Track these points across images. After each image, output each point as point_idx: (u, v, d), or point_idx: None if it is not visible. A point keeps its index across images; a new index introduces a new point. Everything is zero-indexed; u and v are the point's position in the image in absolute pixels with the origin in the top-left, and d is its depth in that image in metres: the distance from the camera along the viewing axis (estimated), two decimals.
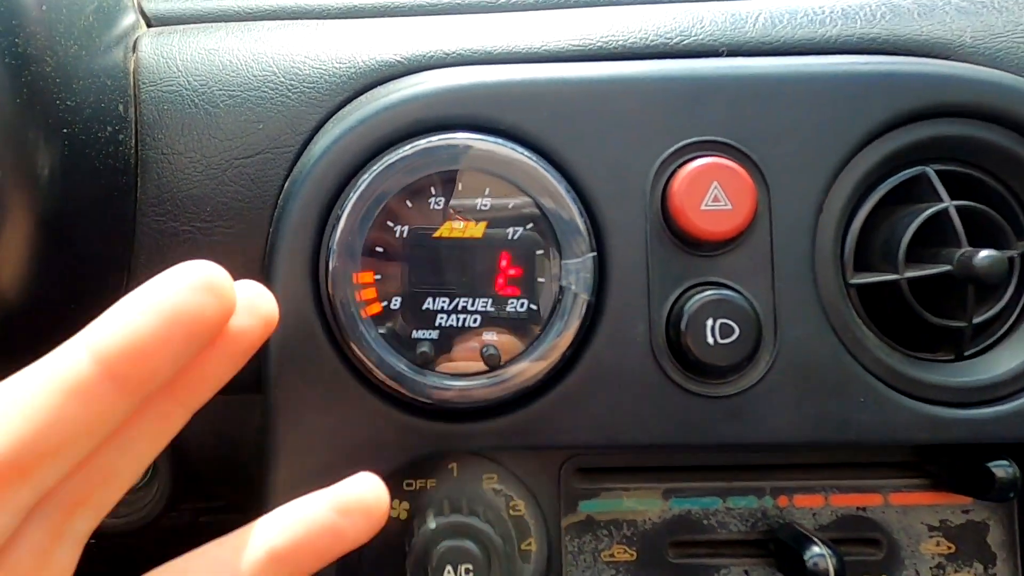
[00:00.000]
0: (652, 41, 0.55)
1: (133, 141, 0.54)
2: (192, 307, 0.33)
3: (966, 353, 0.50)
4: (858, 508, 0.52)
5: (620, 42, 0.55)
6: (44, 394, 0.32)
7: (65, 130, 0.48)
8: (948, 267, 0.48)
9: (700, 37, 0.55)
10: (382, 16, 0.62)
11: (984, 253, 0.46)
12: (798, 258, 0.48)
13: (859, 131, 0.49)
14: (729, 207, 0.47)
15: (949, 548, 0.52)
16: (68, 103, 0.48)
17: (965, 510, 0.52)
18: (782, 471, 0.52)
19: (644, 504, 0.52)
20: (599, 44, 0.55)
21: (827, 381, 0.48)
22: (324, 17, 0.63)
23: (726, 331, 0.46)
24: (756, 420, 0.48)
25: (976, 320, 0.49)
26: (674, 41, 0.55)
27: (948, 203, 0.49)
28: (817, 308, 0.48)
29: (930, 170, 0.50)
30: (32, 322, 0.49)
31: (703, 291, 0.47)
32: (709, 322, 0.47)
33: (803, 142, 0.49)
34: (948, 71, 0.50)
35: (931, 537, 0.52)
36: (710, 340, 0.46)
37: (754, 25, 0.56)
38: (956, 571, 0.52)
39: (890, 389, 0.48)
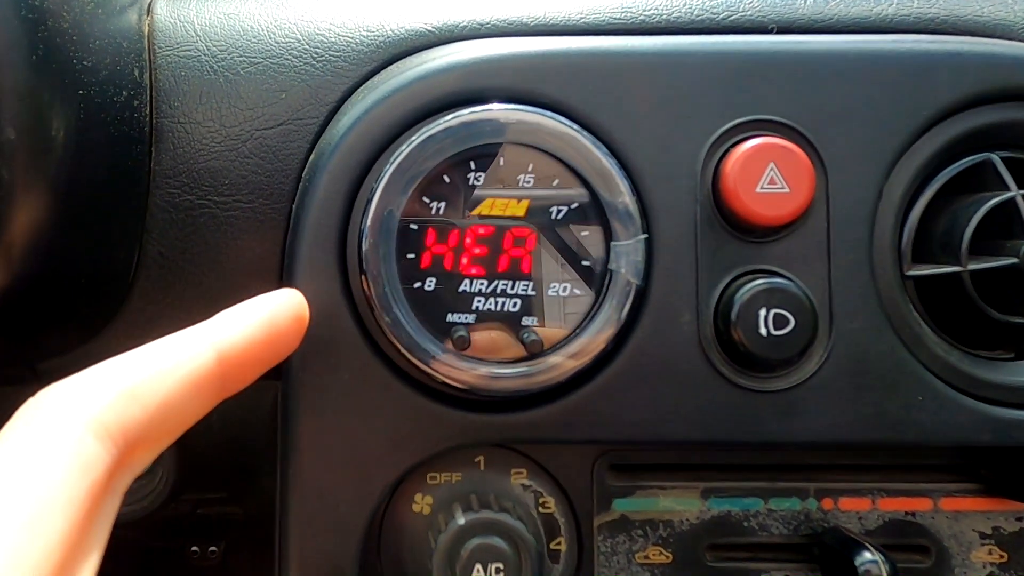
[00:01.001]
0: (697, 16, 0.52)
1: (148, 108, 0.51)
2: (290, 335, 0.41)
3: None
4: (907, 513, 0.50)
5: (663, 16, 0.52)
6: (174, 384, 0.35)
7: (81, 92, 0.45)
8: (1014, 260, 0.45)
9: (748, 13, 0.52)
10: None
11: None
12: (855, 247, 0.46)
13: (923, 114, 0.46)
14: (787, 190, 0.44)
15: (1002, 557, 0.50)
16: (85, 63, 0.45)
17: (1019, 517, 0.50)
18: (827, 472, 0.50)
19: (681, 504, 0.50)
20: (641, 17, 0.52)
21: (884, 378, 0.45)
22: None
23: (780, 322, 0.44)
24: (808, 417, 0.45)
25: None
26: (720, 16, 0.52)
27: (1015, 192, 0.46)
28: (874, 300, 0.45)
29: (995, 157, 0.47)
30: (40, 295, 0.46)
31: (755, 279, 0.45)
32: (762, 312, 0.44)
33: (863, 124, 0.46)
34: (1018, 52, 0.47)
35: (983, 545, 0.50)
36: (763, 331, 0.44)
37: (805, 1, 0.53)
38: None
39: (950, 388, 0.45)
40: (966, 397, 0.45)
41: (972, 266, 0.46)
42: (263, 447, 0.58)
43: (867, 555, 0.44)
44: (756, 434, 0.45)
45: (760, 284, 0.44)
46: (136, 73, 0.51)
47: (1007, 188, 0.46)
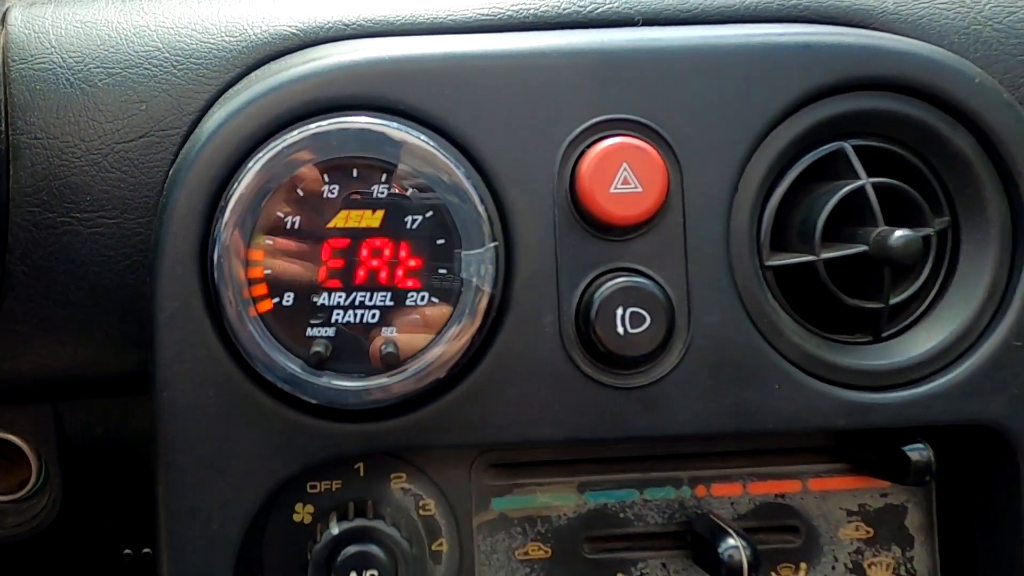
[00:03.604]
0: (564, 9, 0.52)
1: (3, 125, 0.50)
2: None
3: (884, 335, 0.49)
4: (776, 495, 0.51)
5: (531, 10, 0.52)
6: None
7: None
8: (864, 247, 0.46)
9: (615, 5, 0.52)
10: None
11: (899, 233, 0.45)
12: (712, 241, 0.46)
13: (774, 106, 0.47)
14: (639, 189, 0.45)
15: (868, 532, 0.52)
16: None
17: (883, 493, 0.52)
18: (700, 460, 0.51)
19: (559, 499, 0.51)
20: (508, 13, 0.52)
21: (742, 369, 0.46)
22: None
23: (637, 320, 0.44)
24: (670, 411, 0.46)
25: (893, 301, 0.48)
26: (587, 9, 0.52)
27: (865, 180, 0.47)
28: (732, 293, 0.46)
29: (848, 146, 0.48)
30: None
31: (614, 278, 0.45)
32: (619, 310, 0.44)
33: (716, 118, 0.46)
34: (867, 42, 0.48)
35: (850, 522, 0.52)
36: (620, 329, 0.44)
37: None
38: (875, 555, 0.52)
39: (806, 375, 0.46)
40: (822, 383, 0.47)
41: (825, 255, 0.47)
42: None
43: (730, 541, 0.46)
44: (621, 430, 0.46)
45: (617, 283, 0.45)
46: None
47: (859, 176, 0.47)
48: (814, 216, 0.47)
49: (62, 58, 0.51)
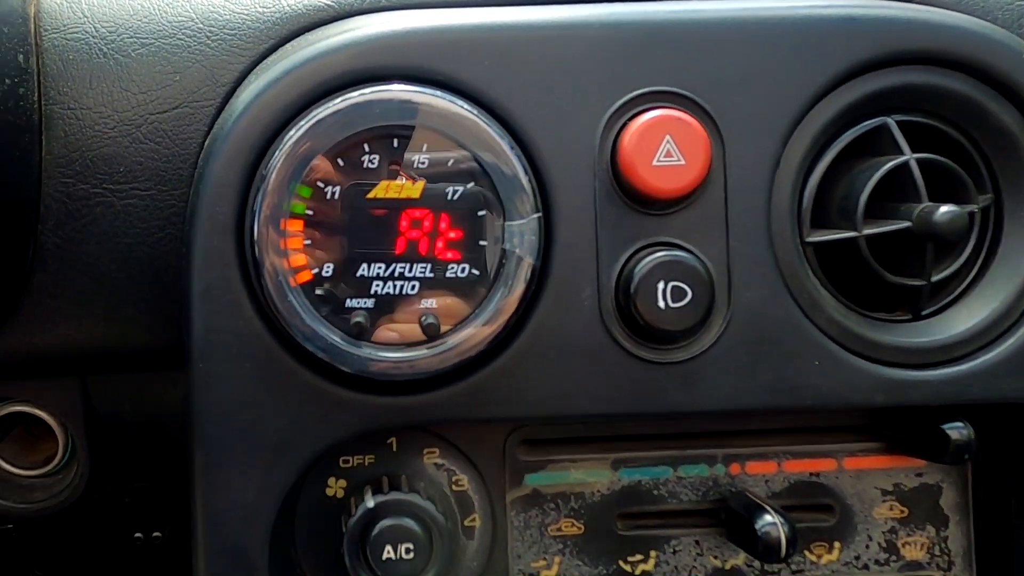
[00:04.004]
0: None
1: (36, 95, 0.49)
2: None
3: (924, 312, 0.48)
4: (811, 474, 0.51)
5: None
6: None
7: None
8: (907, 223, 0.46)
9: None
10: None
11: (944, 209, 0.44)
12: (754, 215, 0.46)
13: (818, 80, 0.46)
14: (682, 162, 0.44)
15: (902, 512, 0.51)
16: None
17: (918, 473, 0.51)
18: (734, 437, 0.51)
19: (592, 476, 0.50)
20: None
21: (782, 345, 0.46)
22: None
23: (678, 294, 0.44)
24: (709, 387, 0.45)
25: (935, 278, 0.47)
26: None
27: (909, 156, 0.46)
28: (773, 268, 0.46)
29: (891, 121, 0.47)
30: None
31: (654, 252, 0.45)
32: (660, 285, 0.44)
33: (760, 92, 0.46)
34: (911, 15, 0.47)
35: (884, 501, 0.51)
36: (661, 304, 0.44)
37: None
38: (909, 535, 0.51)
39: (846, 352, 0.46)
40: (862, 360, 0.46)
41: (867, 231, 0.46)
42: (180, 436, 0.58)
43: (767, 518, 0.45)
44: (658, 405, 0.46)
45: (658, 257, 0.44)
46: (20, 59, 0.49)
47: (902, 152, 0.47)
48: (856, 192, 0.47)
49: (95, 28, 0.51)
